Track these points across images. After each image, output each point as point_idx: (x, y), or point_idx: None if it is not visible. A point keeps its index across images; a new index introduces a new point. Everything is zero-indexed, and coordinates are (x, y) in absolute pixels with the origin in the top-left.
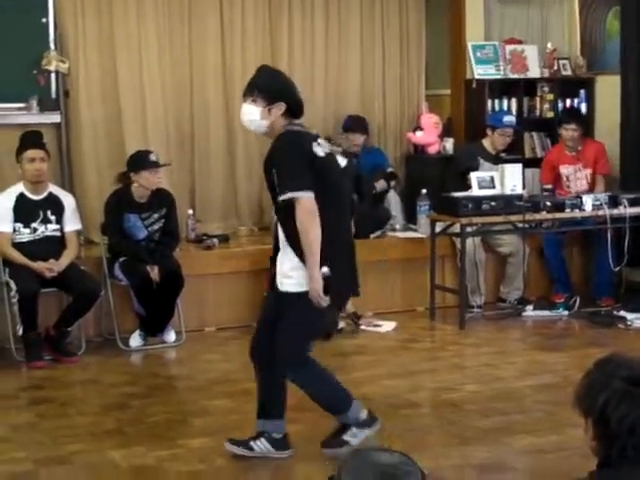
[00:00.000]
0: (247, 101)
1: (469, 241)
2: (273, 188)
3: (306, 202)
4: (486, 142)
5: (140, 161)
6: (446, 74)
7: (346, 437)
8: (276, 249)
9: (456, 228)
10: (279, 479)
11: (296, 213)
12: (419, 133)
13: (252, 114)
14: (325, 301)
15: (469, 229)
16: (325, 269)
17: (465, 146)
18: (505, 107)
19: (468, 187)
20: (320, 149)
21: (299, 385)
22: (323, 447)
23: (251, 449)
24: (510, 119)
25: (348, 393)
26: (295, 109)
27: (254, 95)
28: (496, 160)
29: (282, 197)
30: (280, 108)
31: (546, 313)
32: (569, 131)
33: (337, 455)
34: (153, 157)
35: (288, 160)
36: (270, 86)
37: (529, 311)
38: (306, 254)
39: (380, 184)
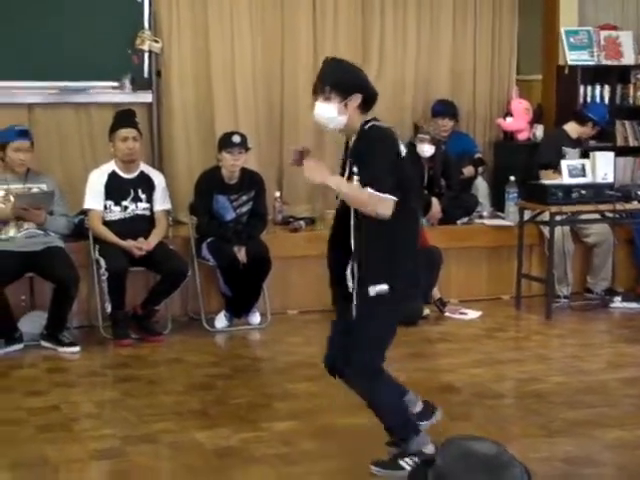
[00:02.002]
0: (320, 99)
1: (558, 230)
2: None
3: (390, 205)
4: (569, 127)
5: (222, 142)
6: (538, 59)
7: (402, 462)
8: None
9: (545, 216)
10: (363, 464)
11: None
12: (509, 119)
13: (329, 112)
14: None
15: (558, 218)
16: (385, 287)
17: (546, 138)
18: (598, 94)
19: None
20: (403, 148)
21: (369, 399)
22: (374, 464)
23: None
24: (607, 118)
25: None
26: (370, 99)
27: (326, 92)
28: (578, 145)
29: (373, 192)
30: (356, 100)
31: (634, 305)
32: None
33: (386, 475)
34: (235, 139)
35: (380, 157)
36: (343, 79)
37: (617, 302)
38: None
39: (468, 170)
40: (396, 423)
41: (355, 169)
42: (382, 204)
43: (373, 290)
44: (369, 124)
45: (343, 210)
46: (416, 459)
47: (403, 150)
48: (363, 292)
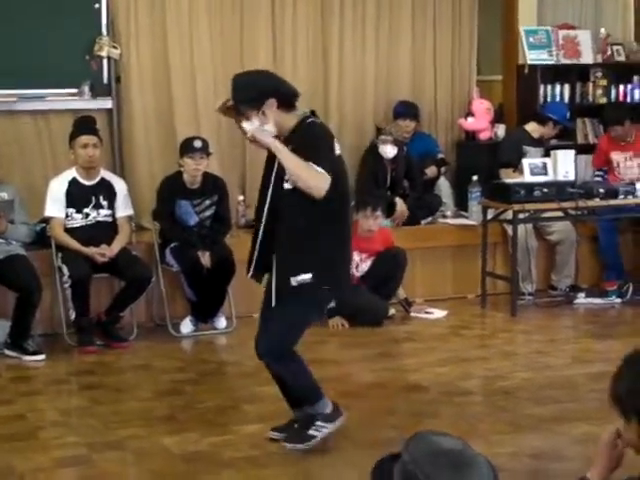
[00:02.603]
0: (242, 120)
1: (521, 228)
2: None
3: (326, 181)
4: (530, 127)
5: (183, 147)
6: (498, 59)
7: (311, 431)
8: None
9: (508, 215)
10: (332, 464)
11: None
12: (470, 119)
13: (254, 126)
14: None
15: (521, 216)
16: (308, 275)
17: (507, 137)
18: (558, 93)
19: None
20: (337, 146)
21: (275, 372)
22: (285, 441)
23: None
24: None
25: (319, 386)
26: (287, 99)
27: (242, 110)
28: (540, 144)
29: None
30: (271, 104)
31: (598, 301)
32: (617, 130)
33: (298, 450)
34: (197, 143)
35: (322, 150)
36: (248, 94)
37: (581, 299)
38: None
39: (431, 170)
40: (305, 392)
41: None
42: (318, 177)
43: (294, 280)
44: (309, 120)
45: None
46: (321, 424)
47: (337, 147)
48: (284, 281)
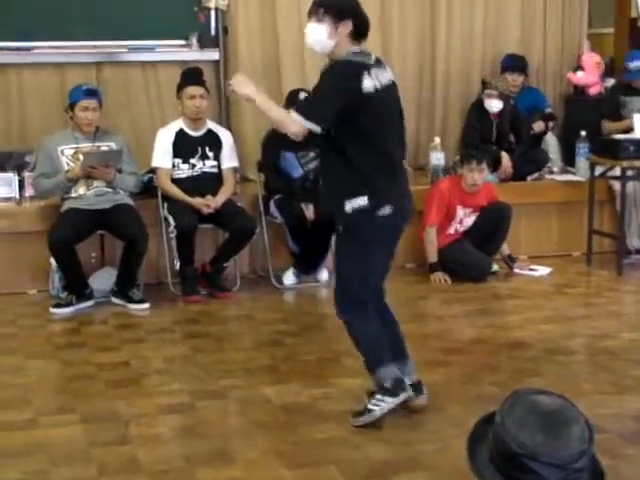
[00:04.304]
0: (312, 20)
1: (629, 185)
2: None
3: (298, 128)
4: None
5: (289, 99)
6: (610, 12)
7: (370, 405)
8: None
9: (616, 172)
10: (433, 420)
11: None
12: (580, 73)
13: (319, 34)
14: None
15: (630, 172)
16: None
17: (609, 90)
18: None
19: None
20: (371, 83)
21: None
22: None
23: (370, 412)
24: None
25: (382, 353)
26: (361, 29)
27: (319, 14)
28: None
29: (295, 115)
30: (347, 26)
31: None
32: None
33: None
34: (302, 95)
35: (325, 86)
36: (336, 3)
37: None
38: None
39: (538, 125)
40: (365, 355)
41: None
42: (291, 124)
43: (349, 206)
44: (344, 58)
45: None
46: (380, 397)
47: (370, 85)
48: (338, 209)
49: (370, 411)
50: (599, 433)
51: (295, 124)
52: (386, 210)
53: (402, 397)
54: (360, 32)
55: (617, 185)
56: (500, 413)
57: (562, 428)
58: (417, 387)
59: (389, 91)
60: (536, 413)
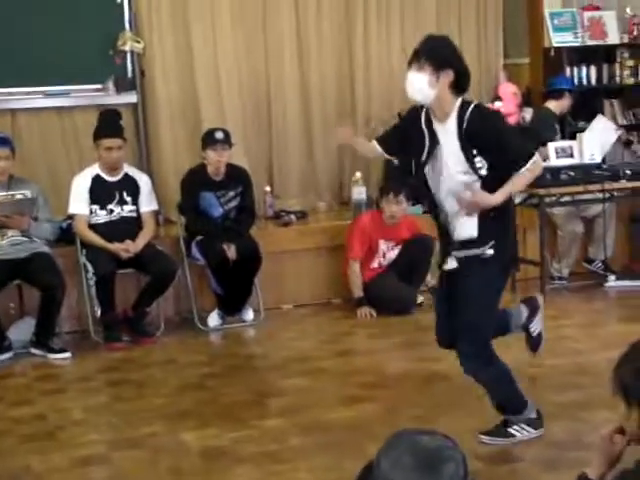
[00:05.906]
0: (412, 69)
1: (563, 212)
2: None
3: (540, 162)
4: (551, 105)
5: (205, 139)
6: (524, 43)
7: (513, 430)
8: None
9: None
10: (353, 458)
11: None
12: (497, 103)
13: (419, 82)
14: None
15: (547, 200)
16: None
17: (539, 117)
18: (584, 75)
19: None
20: None
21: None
22: (483, 434)
23: (512, 436)
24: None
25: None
26: (463, 81)
27: (420, 62)
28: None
29: (528, 165)
30: (448, 76)
31: (629, 283)
32: None
33: (496, 444)
34: (218, 135)
35: (505, 129)
36: (438, 51)
37: (612, 282)
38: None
39: None
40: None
41: (475, 151)
42: (537, 168)
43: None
44: (472, 104)
45: None
46: (524, 426)
47: None
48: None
49: (512, 435)
50: (515, 462)
51: (539, 163)
52: None
53: (540, 432)
54: (461, 84)
55: (555, 211)
56: (378, 454)
57: (436, 466)
58: None
59: None
60: (412, 453)
